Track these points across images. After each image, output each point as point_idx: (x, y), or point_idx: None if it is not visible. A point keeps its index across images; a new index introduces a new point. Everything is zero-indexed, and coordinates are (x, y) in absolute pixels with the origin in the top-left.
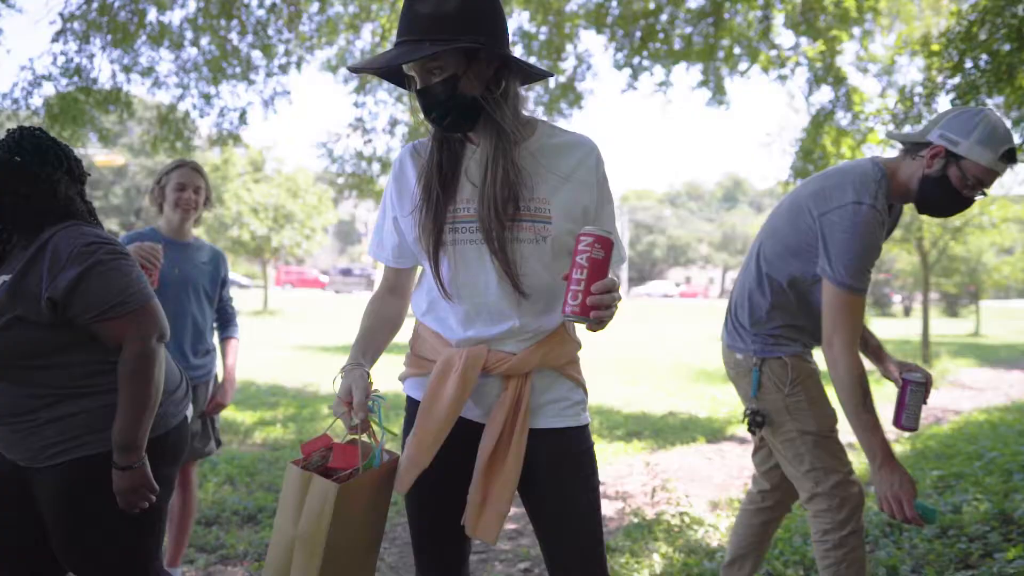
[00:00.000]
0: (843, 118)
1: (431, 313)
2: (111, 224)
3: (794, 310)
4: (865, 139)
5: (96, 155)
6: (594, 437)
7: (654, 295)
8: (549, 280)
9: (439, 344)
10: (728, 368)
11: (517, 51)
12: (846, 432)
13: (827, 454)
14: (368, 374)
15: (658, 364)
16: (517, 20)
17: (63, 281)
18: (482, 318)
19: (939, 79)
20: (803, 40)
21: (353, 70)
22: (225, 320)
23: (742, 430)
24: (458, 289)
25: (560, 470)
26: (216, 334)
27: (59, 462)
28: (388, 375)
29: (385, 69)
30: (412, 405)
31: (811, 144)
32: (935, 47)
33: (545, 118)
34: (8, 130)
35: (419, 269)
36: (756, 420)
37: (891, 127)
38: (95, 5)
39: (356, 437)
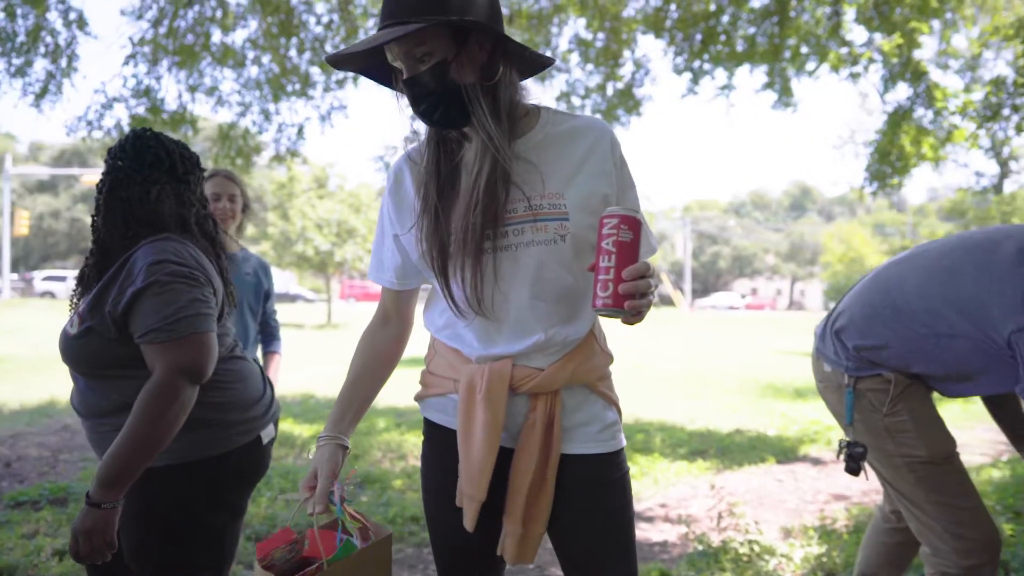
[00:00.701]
0: (923, 116)
1: (448, 329)
2: None
3: (925, 356)
4: (950, 137)
5: None
6: (655, 456)
7: (719, 307)
8: (573, 283)
9: (458, 361)
10: (815, 376)
11: (573, 59)
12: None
13: (942, 485)
14: (342, 450)
15: (724, 378)
16: (573, 28)
17: (124, 297)
18: (504, 335)
19: None
20: (876, 36)
21: (331, 60)
22: (269, 334)
23: (816, 450)
24: (468, 309)
25: (594, 502)
26: (260, 348)
27: None
28: (402, 392)
29: (367, 62)
30: (431, 429)
31: (888, 145)
32: None
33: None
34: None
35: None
36: (854, 454)
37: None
38: (162, 30)
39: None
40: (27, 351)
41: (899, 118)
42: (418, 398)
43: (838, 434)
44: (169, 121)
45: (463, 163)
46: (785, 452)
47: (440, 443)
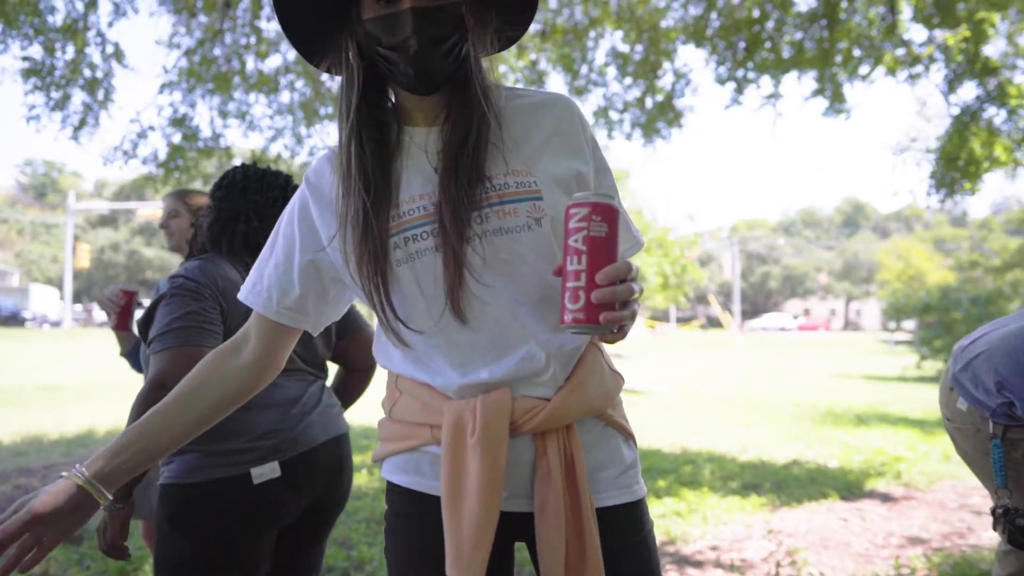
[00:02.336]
0: (996, 116)
1: (412, 361)
2: None
3: None
4: None
5: None
6: (704, 490)
7: (770, 328)
8: (552, 281)
9: (433, 399)
10: (944, 409)
11: (610, 72)
12: None
13: None
14: (81, 495)
15: (777, 404)
16: (610, 40)
17: (144, 310)
18: (481, 352)
19: None
20: (936, 33)
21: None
22: None
23: (884, 484)
24: (430, 321)
25: (619, 565)
26: None
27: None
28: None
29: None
30: (400, 498)
31: (955, 149)
32: None
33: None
34: None
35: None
36: (1018, 523)
37: None
38: (195, 58)
39: None
40: (77, 380)
41: (967, 120)
42: (379, 458)
43: (908, 466)
44: (204, 148)
45: (405, 147)
46: (849, 487)
47: (413, 515)
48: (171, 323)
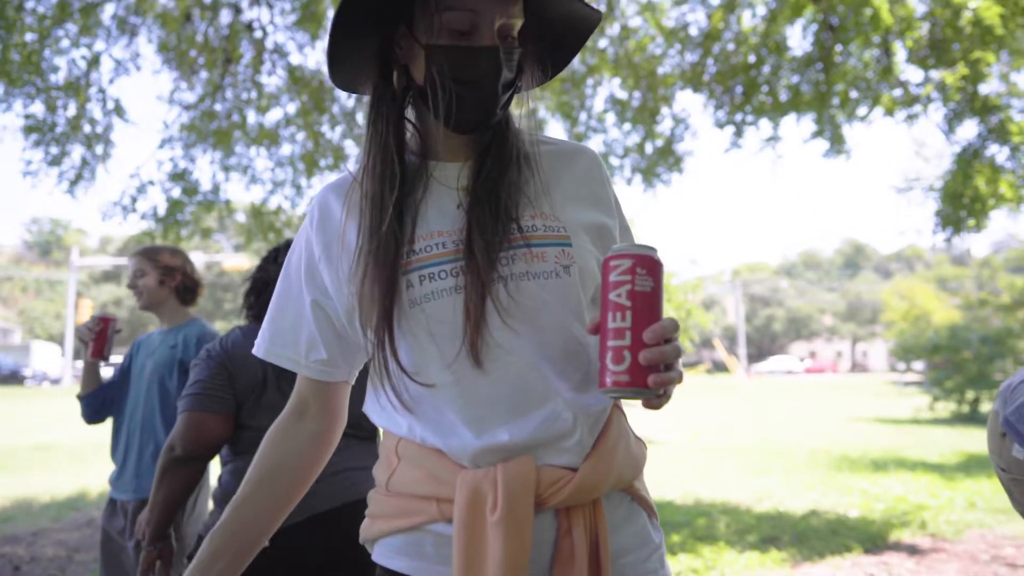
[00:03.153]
0: (999, 153)
1: (418, 420)
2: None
3: None
4: None
5: (225, 260)
6: (720, 545)
7: (776, 372)
8: (581, 334)
9: (442, 468)
10: (995, 459)
11: (609, 119)
12: None
13: None
14: None
15: (791, 450)
16: (608, 87)
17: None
18: (500, 411)
19: None
20: (933, 74)
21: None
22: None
23: (909, 535)
24: (443, 370)
25: None
26: None
27: None
28: None
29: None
30: None
31: (959, 187)
32: None
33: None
34: None
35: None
36: None
37: None
38: (196, 114)
39: None
40: (72, 439)
41: (970, 157)
42: (370, 538)
43: (933, 515)
44: (203, 202)
45: (423, 183)
46: (872, 539)
47: None
48: (187, 389)
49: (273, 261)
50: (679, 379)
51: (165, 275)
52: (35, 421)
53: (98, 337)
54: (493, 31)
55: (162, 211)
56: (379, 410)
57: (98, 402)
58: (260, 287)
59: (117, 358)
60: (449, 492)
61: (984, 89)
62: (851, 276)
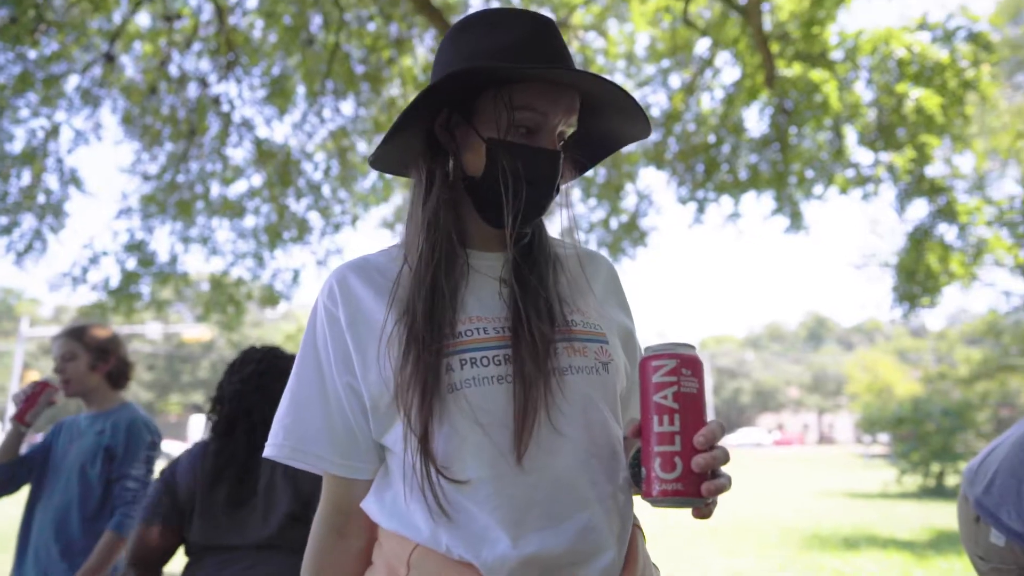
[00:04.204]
0: (947, 232)
1: (444, 523)
2: (198, 397)
3: None
4: (980, 253)
5: (185, 331)
6: None
7: (745, 444)
8: (618, 434)
9: None
10: (972, 547)
11: (575, 194)
12: None
13: None
14: None
15: (762, 528)
16: None
17: None
18: (537, 511)
19: None
20: (883, 155)
21: (432, 89)
22: (113, 507)
23: None
24: (483, 465)
25: None
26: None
27: None
28: None
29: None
30: None
31: (912, 264)
32: None
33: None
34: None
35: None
36: None
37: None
38: (153, 184)
39: None
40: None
41: (921, 236)
42: None
43: None
44: (159, 274)
45: (461, 273)
46: None
47: None
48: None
49: (237, 372)
50: (729, 485)
51: (98, 359)
52: None
53: (28, 400)
54: (554, 136)
55: (115, 282)
56: (388, 509)
57: (6, 476)
58: (228, 398)
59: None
60: None
61: (931, 171)
62: (815, 348)
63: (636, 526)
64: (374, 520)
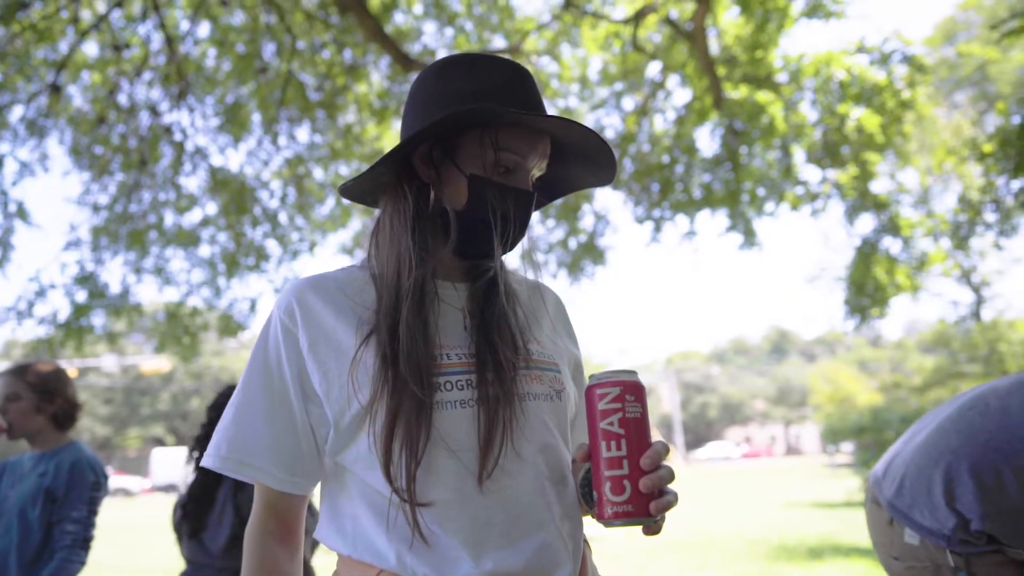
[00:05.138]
0: (892, 245)
1: (390, 538)
2: (158, 430)
3: None
4: (925, 262)
5: (143, 363)
6: None
7: (714, 458)
8: (568, 460)
9: None
10: (886, 549)
11: (534, 216)
12: None
13: None
14: None
15: (729, 541)
16: None
17: None
18: (496, 532)
19: (999, 182)
20: (829, 173)
21: (442, 122)
22: (51, 550)
23: None
24: (446, 485)
25: None
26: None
27: None
28: None
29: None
30: None
31: (861, 277)
32: (987, 148)
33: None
34: None
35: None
36: None
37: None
38: (104, 215)
39: None
40: None
41: (868, 250)
42: None
43: None
44: (110, 306)
45: (437, 299)
46: None
47: None
48: None
49: (216, 410)
50: (676, 502)
51: (43, 400)
52: None
53: None
54: (528, 177)
55: (64, 316)
56: (348, 536)
57: None
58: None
59: None
60: None
61: (876, 187)
62: (779, 361)
63: (585, 542)
64: (331, 548)
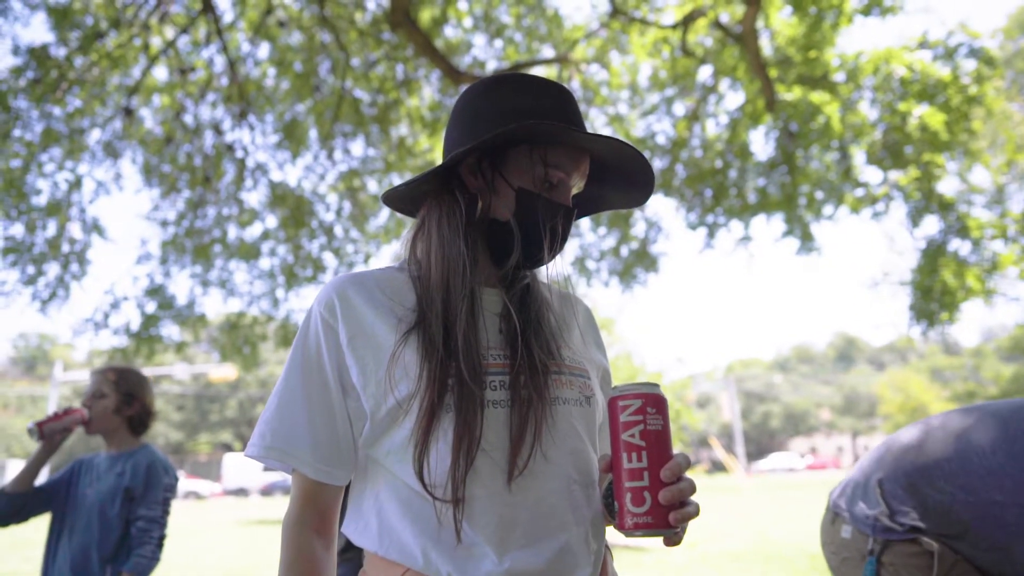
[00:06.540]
0: (961, 247)
1: (416, 533)
2: (226, 436)
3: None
4: (995, 266)
5: (211, 371)
6: None
7: (777, 469)
8: (595, 465)
9: None
10: (827, 550)
11: (584, 224)
12: None
13: None
14: None
15: (791, 556)
16: None
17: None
18: (519, 531)
19: None
20: (891, 174)
21: (503, 134)
22: (128, 547)
23: None
24: (483, 484)
25: None
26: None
27: None
28: None
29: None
30: None
31: (928, 281)
32: None
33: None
34: None
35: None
36: None
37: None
38: (172, 230)
39: None
40: (33, 565)
41: (934, 253)
42: None
43: None
44: (177, 317)
45: (483, 303)
46: None
47: None
48: None
49: None
50: (696, 513)
51: (123, 402)
52: None
53: (55, 415)
54: (570, 194)
55: (135, 326)
56: (374, 532)
57: (17, 506)
58: None
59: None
60: None
61: (944, 187)
62: (845, 369)
63: (606, 547)
64: (357, 543)
